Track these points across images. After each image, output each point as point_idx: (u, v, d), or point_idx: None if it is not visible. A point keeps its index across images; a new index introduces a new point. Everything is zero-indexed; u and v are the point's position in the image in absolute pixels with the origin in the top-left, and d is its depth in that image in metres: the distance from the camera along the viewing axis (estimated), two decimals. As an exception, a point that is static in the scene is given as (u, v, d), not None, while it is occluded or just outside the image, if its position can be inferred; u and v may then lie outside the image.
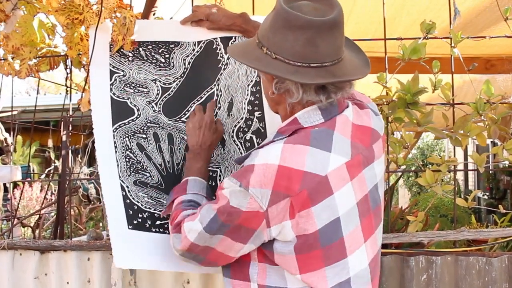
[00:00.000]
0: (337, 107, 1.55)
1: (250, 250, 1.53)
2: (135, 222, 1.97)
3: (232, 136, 2.09)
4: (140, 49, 2.10)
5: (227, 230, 1.49)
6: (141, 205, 1.99)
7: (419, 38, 2.44)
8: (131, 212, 1.97)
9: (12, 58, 2.36)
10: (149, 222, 1.98)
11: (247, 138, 2.10)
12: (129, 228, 1.96)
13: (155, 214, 2.00)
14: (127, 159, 2.02)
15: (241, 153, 2.09)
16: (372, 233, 1.60)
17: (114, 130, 2.02)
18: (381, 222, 1.67)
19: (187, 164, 1.94)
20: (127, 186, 1.99)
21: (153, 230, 1.97)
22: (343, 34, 1.51)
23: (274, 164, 1.42)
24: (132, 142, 2.03)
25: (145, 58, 2.10)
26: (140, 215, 1.98)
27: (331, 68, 1.47)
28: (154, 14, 2.47)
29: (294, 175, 1.42)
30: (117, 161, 2.00)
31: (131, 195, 1.99)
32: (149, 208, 2.00)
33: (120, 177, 1.99)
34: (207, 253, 1.57)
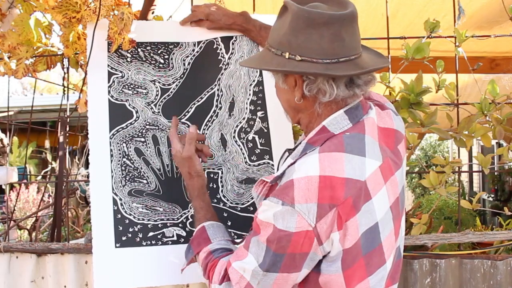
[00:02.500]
0: (362, 109, 1.53)
1: (304, 276, 1.46)
2: (124, 238, 1.92)
3: (234, 137, 2.06)
4: (139, 50, 2.08)
5: (281, 264, 1.40)
6: (134, 217, 1.94)
7: (423, 37, 2.41)
8: (120, 228, 1.93)
9: (9, 58, 2.33)
10: (140, 236, 1.93)
11: (250, 138, 2.07)
12: (116, 247, 1.91)
13: (149, 225, 1.95)
14: (123, 167, 1.97)
15: (243, 154, 2.06)
16: (399, 235, 1.59)
17: (112, 136, 1.99)
18: (403, 222, 1.65)
19: (189, 194, 1.86)
20: (120, 199, 1.95)
21: (144, 243, 1.93)
22: (359, 28, 1.49)
23: (315, 175, 1.36)
24: (130, 148, 2.00)
25: (144, 59, 2.08)
26: (131, 229, 1.93)
27: (357, 61, 1.45)
28: (153, 13, 2.44)
29: (337, 183, 1.37)
30: (112, 171, 1.96)
31: (123, 208, 1.94)
32: (142, 219, 1.95)
33: (113, 189, 1.95)
34: None
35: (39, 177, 9.25)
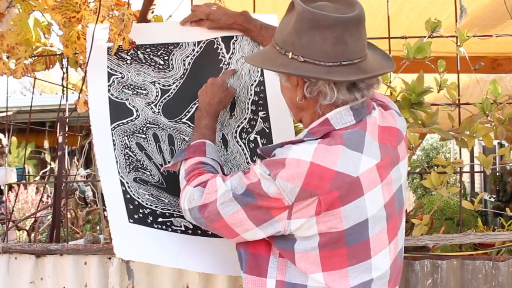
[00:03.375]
0: (366, 108, 1.53)
1: (255, 238, 1.52)
2: (136, 216, 1.93)
3: (235, 137, 2.05)
4: (139, 52, 2.07)
5: (249, 204, 1.46)
6: (142, 201, 1.95)
7: (424, 37, 2.40)
8: (131, 207, 1.93)
9: (7, 58, 2.32)
10: (151, 219, 1.94)
11: (251, 138, 2.06)
12: (129, 222, 1.91)
13: (157, 212, 1.96)
14: (126, 157, 1.98)
15: (245, 154, 2.05)
16: (395, 235, 1.59)
17: (113, 128, 1.99)
18: (403, 224, 1.66)
19: (195, 123, 1.92)
20: (127, 182, 1.95)
21: (155, 226, 1.93)
22: (365, 30, 1.49)
23: (306, 160, 1.40)
24: (131, 141, 1.99)
25: (144, 61, 2.07)
26: (141, 211, 1.94)
27: (360, 65, 1.45)
28: (152, 12, 2.42)
29: (326, 174, 1.39)
30: (116, 158, 1.97)
31: (131, 191, 1.94)
32: (150, 205, 1.96)
33: (119, 173, 1.95)
34: (213, 221, 1.54)
35: (38, 178, 9.23)
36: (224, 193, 1.50)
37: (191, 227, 1.97)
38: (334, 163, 1.40)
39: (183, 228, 1.96)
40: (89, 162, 8.35)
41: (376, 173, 1.47)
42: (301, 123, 1.66)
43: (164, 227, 1.95)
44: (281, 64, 1.46)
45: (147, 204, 1.95)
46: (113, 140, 1.98)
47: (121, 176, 1.95)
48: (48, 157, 8.77)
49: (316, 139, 1.47)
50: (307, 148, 1.42)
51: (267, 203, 1.43)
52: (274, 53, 1.51)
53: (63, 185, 2.90)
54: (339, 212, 1.41)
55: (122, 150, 1.98)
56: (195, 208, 1.57)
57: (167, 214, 1.96)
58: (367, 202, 1.45)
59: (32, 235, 4.33)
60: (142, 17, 2.37)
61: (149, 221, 1.93)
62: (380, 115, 1.57)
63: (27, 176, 8.23)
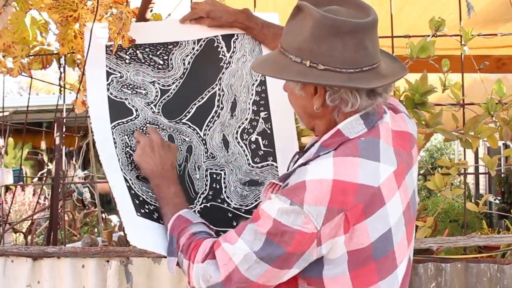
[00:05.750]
0: (377, 113, 1.50)
1: (292, 276, 1.43)
2: (142, 211, 1.86)
3: (236, 138, 2.02)
4: (138, 51, 2.04)
5: (278, 259, 1.37)
6: (146, 198, 1.89)
7: (428, 36, 2.37)
8: (137, 202, 1.86)
9: (3, 56, 2.30)
10: (156, 215, 1.87)
11: (252, 139, 2.03)
12: (137, 215, 1.84)
13: None
14: (127, 155, 1.93)
15: (246, 155, 2.02)
16: (411, 240, 1.57)
17: (113, 127, 1.94)
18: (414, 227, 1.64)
19: (158, 194, 1.80)
20: (130, 179, 1.89)
21: (161, 222, 1.86)
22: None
23: (329, 179, 1.34)
24: (132, 141, 1.95)
25: (143, 61, 2.03)
26: (146, 206, 1.87)
27: (378, 69, 1.43)
28: (151, 11, 2.39)
29: (349, 188, 1.35)
30: (117, 156, 1.91)
31: (135, 187, 1.88)
32: (154, 203, 1.88)
33: (122, 170, 1.90)
34: (245, 287, 1.43)
35: (35, 179, 9.21)
36: (245, 258, 1.40)
37: None
38: (356, 176, 1.36)
39: None
40: (87, 163, 8.31)
41: (394, 181, 1.45)
42: (313, 131, 1.62)
43: None
44: (299, 73, 1.41)
45: (151, 201, 1.89)
46: (114, 139, 1.93)
47: (124, 173, 1.89)
48: (45, 158, 8.75)
49: (330, 151, 1.43)
50: (324, 165, 1.38)
51: (296, 241, 1.35)
52: (287, 62, 1.45)
53: (61, 186, 2.88)
54: (365, 226, 1.37)
55: (123, 149, 1.93)
56: (217, 285, 1.45)
57: None
58: (389, 211, 1.42)
59: (29, 237, 4.32)
60: (141, 16, 2.34)
61: (155, 217, 1.86)
62: (392, 119, 1.55)
63: (24, 178, 8.21)
